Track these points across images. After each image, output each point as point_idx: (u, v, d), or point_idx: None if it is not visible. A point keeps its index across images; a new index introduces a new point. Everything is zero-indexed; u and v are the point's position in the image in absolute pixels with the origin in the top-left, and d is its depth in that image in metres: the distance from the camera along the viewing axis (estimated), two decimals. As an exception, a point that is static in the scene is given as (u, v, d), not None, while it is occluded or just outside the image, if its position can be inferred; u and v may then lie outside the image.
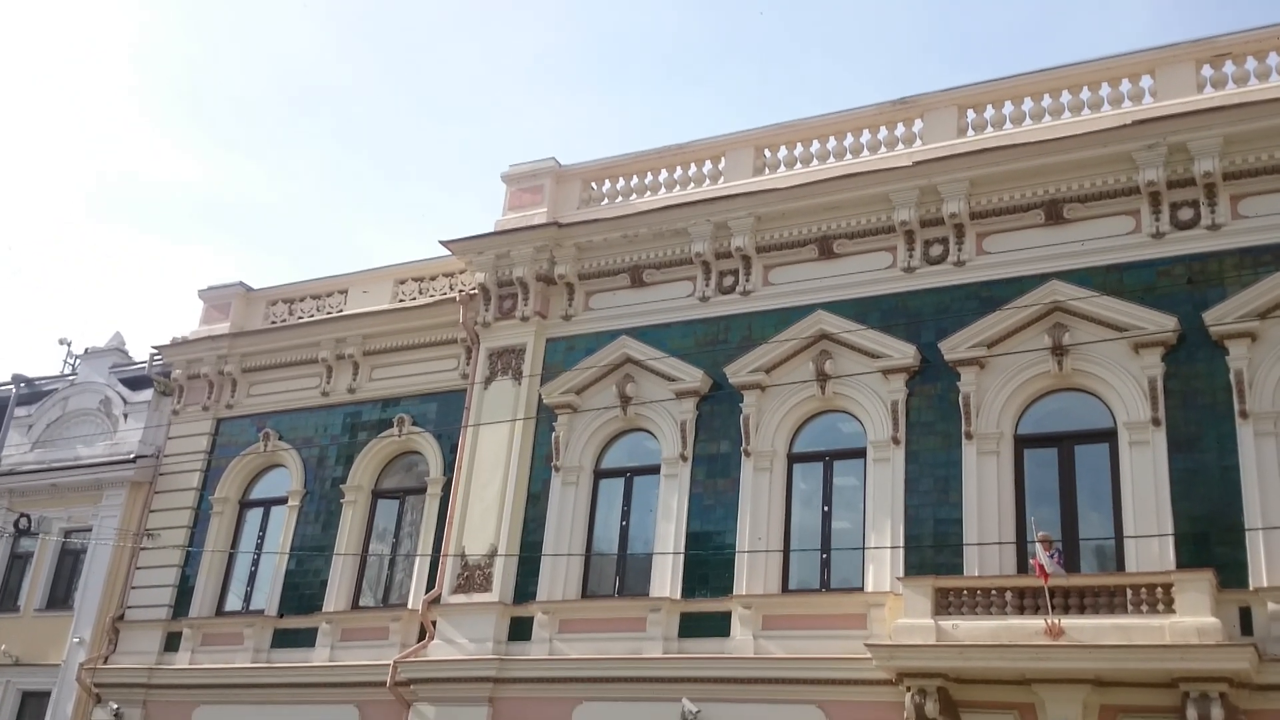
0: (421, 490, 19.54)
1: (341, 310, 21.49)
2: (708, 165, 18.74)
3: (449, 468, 19.07)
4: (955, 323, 15.73)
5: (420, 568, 18.66)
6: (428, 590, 18.21)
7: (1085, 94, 16.21)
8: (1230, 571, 13.24)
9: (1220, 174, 14.68)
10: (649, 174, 19.17)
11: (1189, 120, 14.81)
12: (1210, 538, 13.55)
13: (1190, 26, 42.31)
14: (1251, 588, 13.15)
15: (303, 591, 19.64)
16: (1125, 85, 15.97)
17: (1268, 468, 13.58)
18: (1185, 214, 14.98)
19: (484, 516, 18.00)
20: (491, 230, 19.53)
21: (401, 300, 20.95)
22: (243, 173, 52.77)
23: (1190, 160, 14.78)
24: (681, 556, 16.47)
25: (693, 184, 18.74)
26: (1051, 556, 13.70)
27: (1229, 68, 15.38)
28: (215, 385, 22.12)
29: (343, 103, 50.69)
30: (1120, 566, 14.03)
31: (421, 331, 20.35)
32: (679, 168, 18.97)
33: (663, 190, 18.95)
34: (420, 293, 20.88)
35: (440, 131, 51.37)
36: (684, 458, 17.04)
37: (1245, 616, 13.13)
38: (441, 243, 19.60)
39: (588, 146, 57.71)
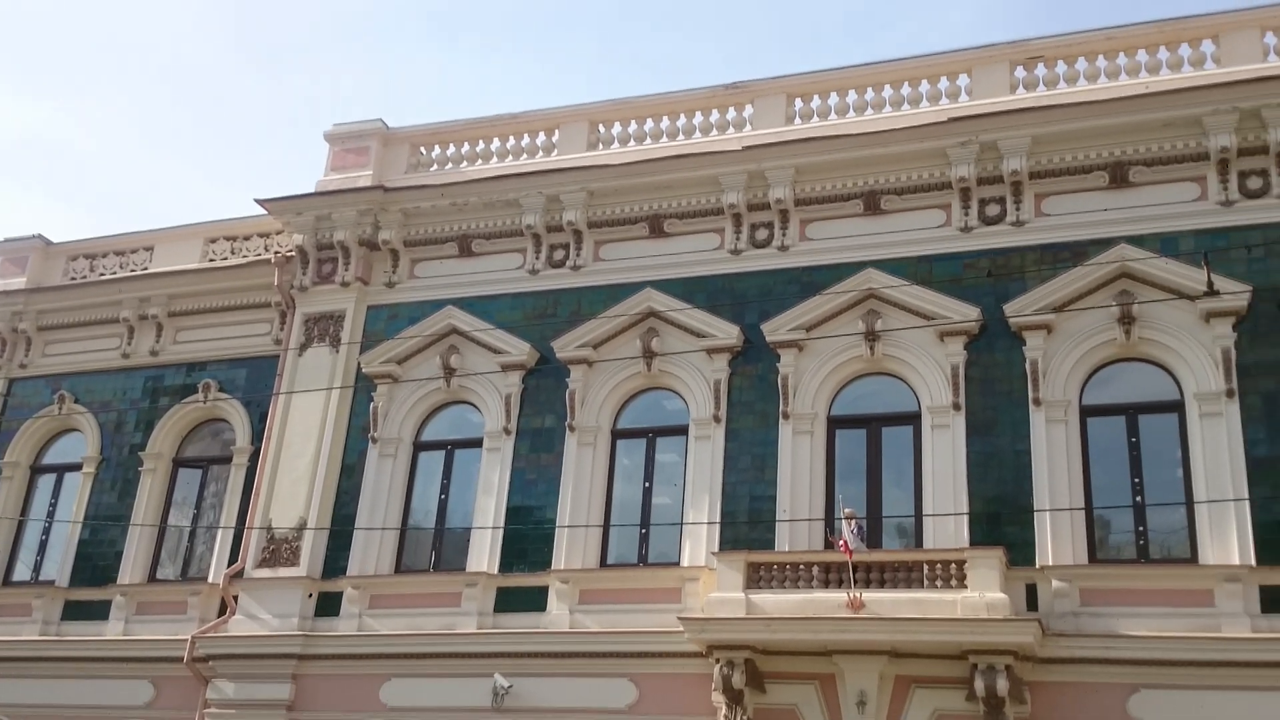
0: (227, 460, 18.80)
1: (146, 268, 20.43)
2: (541, 137, 18.60)
3: (257, 437, 18.39)
4: (777, 305, 16.09)
5: (223, 540, 17.96)
6: (230, 564, 17.55)
7: (906, 89, 16.80)
8: (1019, 550, 14.00)
9: (1027, 173, 15.45)
10: (481, 142, 18.89)
11: (1000, 120, 15.52)
12: (1002, 518, 14.29)
13: (1011, 27, 44.36)
14: (1038, 565, 13.94)
15: (96, 562, 18.64)
16: (944, 83, 16.62)
17: (1057, 453, 14.40)
18: (993, 210, 15.71)
19: (293, 488, 17.44)
20: (312, 191, 18.89)
21: (212, 260, 20.05)
22: (48, 120, 49.54)
23: (1000, 158, 15.51)
24: (500, 531, 16.35)
25: (526, 155, 18.56)
26: (855, 533, 14.22)
27: (1041, 70, 16.19)
28: (8, 343, 20.75)
29: (161, 51, 48.14)
30: (919, 543, 14.67)
31: (232, 293, 19.54)
32: (512, 138, 18.76)
33: (495, 159, 18.70)
34: (233, 253, 20.03)
35: (263, 87, 49.41)
36: (507, 431, 16.91)
37: (1031, 593, 13.90)
38: (258, 201, 18.84)
39: (418, 111, 56.40)
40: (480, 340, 17.41)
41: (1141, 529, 14.12)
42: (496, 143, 18.82)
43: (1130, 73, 15.74)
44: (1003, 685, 12.96)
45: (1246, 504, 13.41)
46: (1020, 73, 16.26)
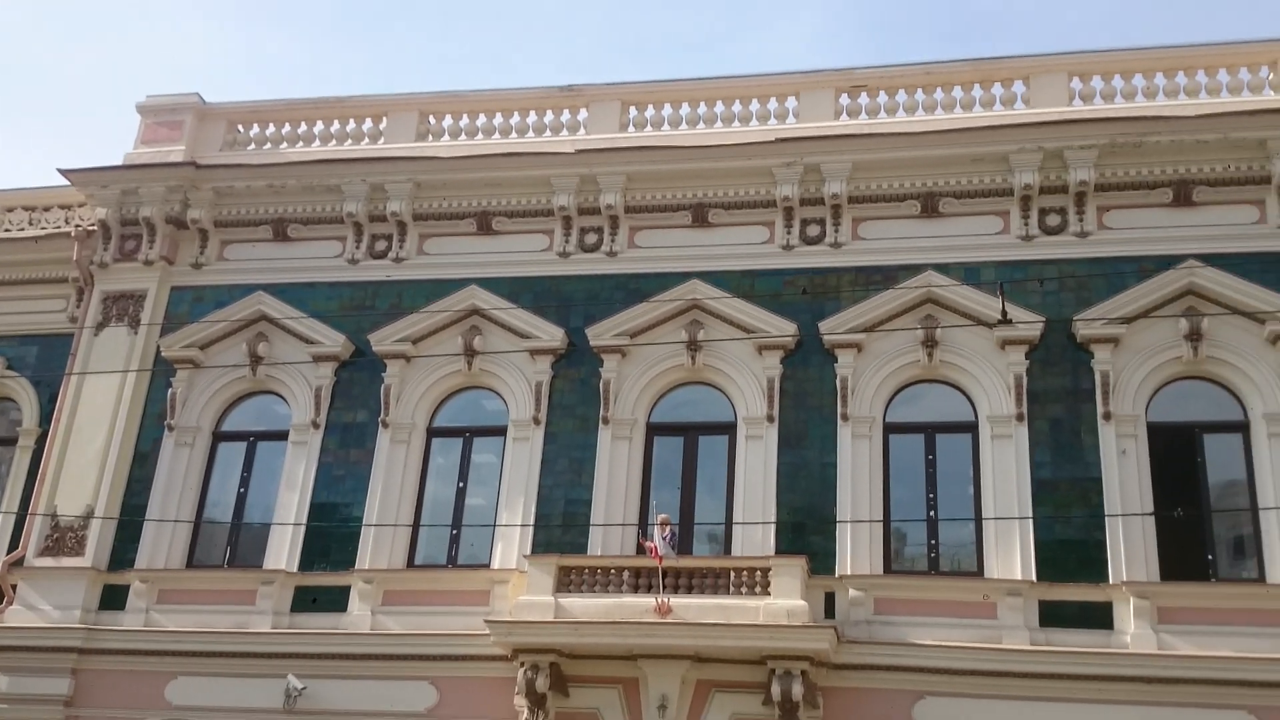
0: (12, 441, 17.60)
1: (-68, 235, 18.91)
2: (368, 124, 18.14)
3: (46, 418, 17.27)
4: (603, 310, 16.15)
5: (2, 526, 16.77)
6: (9, 551, 16.40)
7: (737, 107, 17.14)
8: (821, 559, 14.44)
9: (846, 196, 15.98)
10: (303, 124, 18.28)
11: (823, 144, 16.01)
12: (807, 527, 14.73)
13: (851, 48, 45.75)
14: (837, 574, 14.41)
15: None
16: (773, 104, 17.03)
17: (860, 467, 14.93)
18: (813, 230, 16.18)
19: (82, 474, 16.45)
20: (120, 164, 17.88)
21: (7, 230, 18.71)
22: None
23: (822, 181, 16.00)
24: (302, 528, 15.82)
25: (350, 140, 18.06)
26: (666, 539, 14.39)
27: (864, 99, 16.77)
28: None
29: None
30: (728, 551, 14.97)
31: (26, 266, 18.30)
32: (337, 122, 18.23)
33: (317, 143, 18.14)
34: (30, 224, 18.74)
35: (72, 54, 46.53)
36: (316, 425, 16.39)
37: (830, 601, 14.35)
38: (61, 171, 17.73)
39: (241, 90, 54.19)
40: (291, 329, 16.82)
41: (934, 542, 14.79)
42: (320, 126, 18.25)
43: (946, 107, 16.49)
44: (798, 690, 13.33)
45: (1030, 522, 14.20)
46: (845, 100, 16.82)
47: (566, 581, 14.32)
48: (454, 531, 15.84)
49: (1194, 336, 14.47)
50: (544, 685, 13.77)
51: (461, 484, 16.14)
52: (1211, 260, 14.65)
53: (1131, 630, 13.46)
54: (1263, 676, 12.81)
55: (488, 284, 16.60)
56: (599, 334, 16.03)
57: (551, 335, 16.16)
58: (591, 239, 16.75)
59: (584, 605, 14.08)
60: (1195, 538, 14.07)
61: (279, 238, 17.54)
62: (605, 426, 15.69)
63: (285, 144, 18.22)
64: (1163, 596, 13.57)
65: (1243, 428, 14.35)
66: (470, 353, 16.27)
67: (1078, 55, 16.29)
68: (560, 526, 15.28)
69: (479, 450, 16.33)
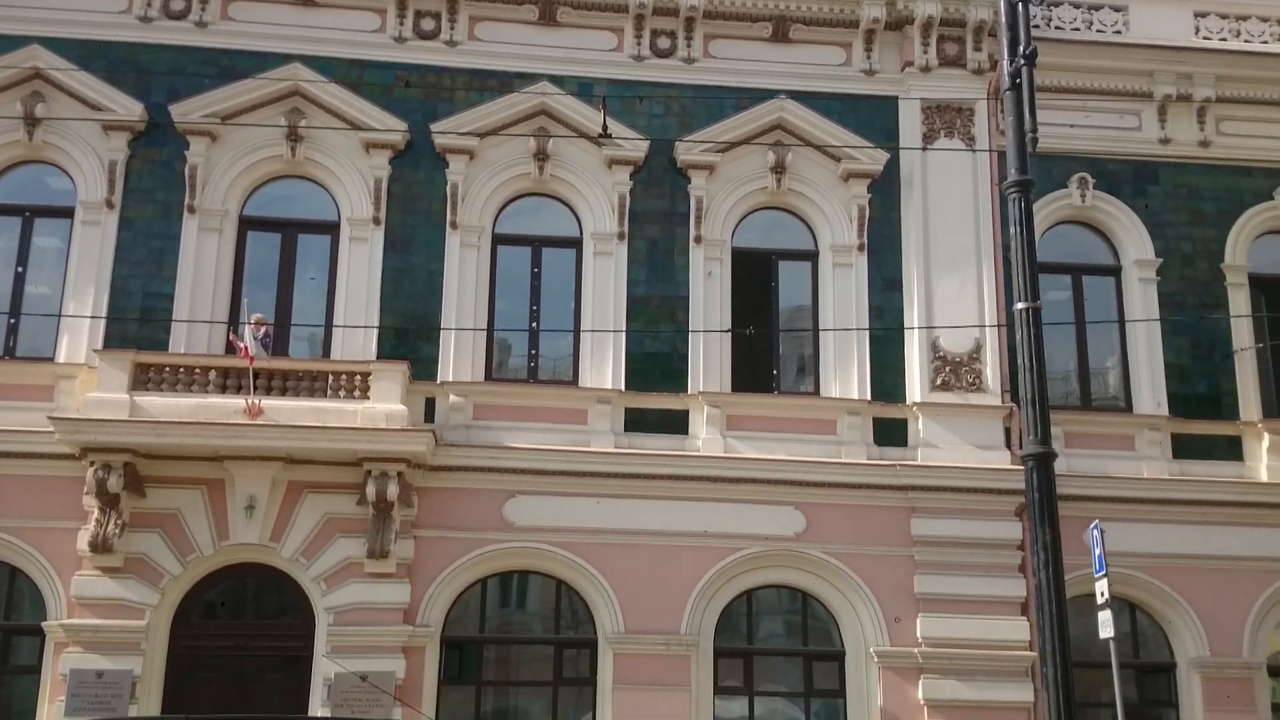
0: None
1: None
2: None
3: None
4: (191, 87, 14.64)
5: None
6: None
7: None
8: (424, 366, 14.38)
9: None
10: None
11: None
12: (410, 334, 14.55)
13: None
14: (439, 381, 14.45)
15: None
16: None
17: (467, 276, 14.86)
18: (427, 24, 15.42)
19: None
20: None
21: None
22: None
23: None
24: None
25: None
26: (259, 338, 13.68)
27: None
28: None
29: None
30: (328, 354, 14.50)
31: None
32: None
33: None
34: None
35: None
36: None
37: (430, 406, 14.41)
38: None
39: None
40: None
41: (534, 352, 15.18)
42: None
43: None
44: (393, 491, 13.40)
45: (623, 336, 14.91)
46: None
47: (144, 379, 13.31)
48: (12, 320, 14.11)
49: (778, 169, 15.50)
50: (117, 485, 12.87)
51: (21, 269, 14.33)
52: (801, 97, 15.63)
53: (703, 435, 14.64)
54: (811, 477, 14.47)
55: (54, 45, 14.49)
56: (185, 112, 14.57)
57: (128, 109, 14.49)
58: (178, 4, 15.01)
59: (165, 405, 13.19)
60: (765, 355, 15.42)
61: None
62: (191, 216, 14.46)
63: None
64: (732, 406, 14.83)
65: (813, 257, 15.73)
66: (31, 120, 14.24)
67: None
68: (138, 320, 14.06)
69: (42, 234, 14.51)
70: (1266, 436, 15.10)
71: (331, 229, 14.96)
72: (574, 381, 14.92)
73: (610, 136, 14.26)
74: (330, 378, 13.74)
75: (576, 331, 15.09)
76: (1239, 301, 15.68)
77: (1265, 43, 16.37)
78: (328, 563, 13.64)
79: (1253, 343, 15.52)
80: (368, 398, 13.66)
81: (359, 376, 13.76)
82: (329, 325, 14.61)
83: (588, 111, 15.10)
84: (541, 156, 15.18)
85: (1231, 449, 15.22)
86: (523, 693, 14.38)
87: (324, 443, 13.42)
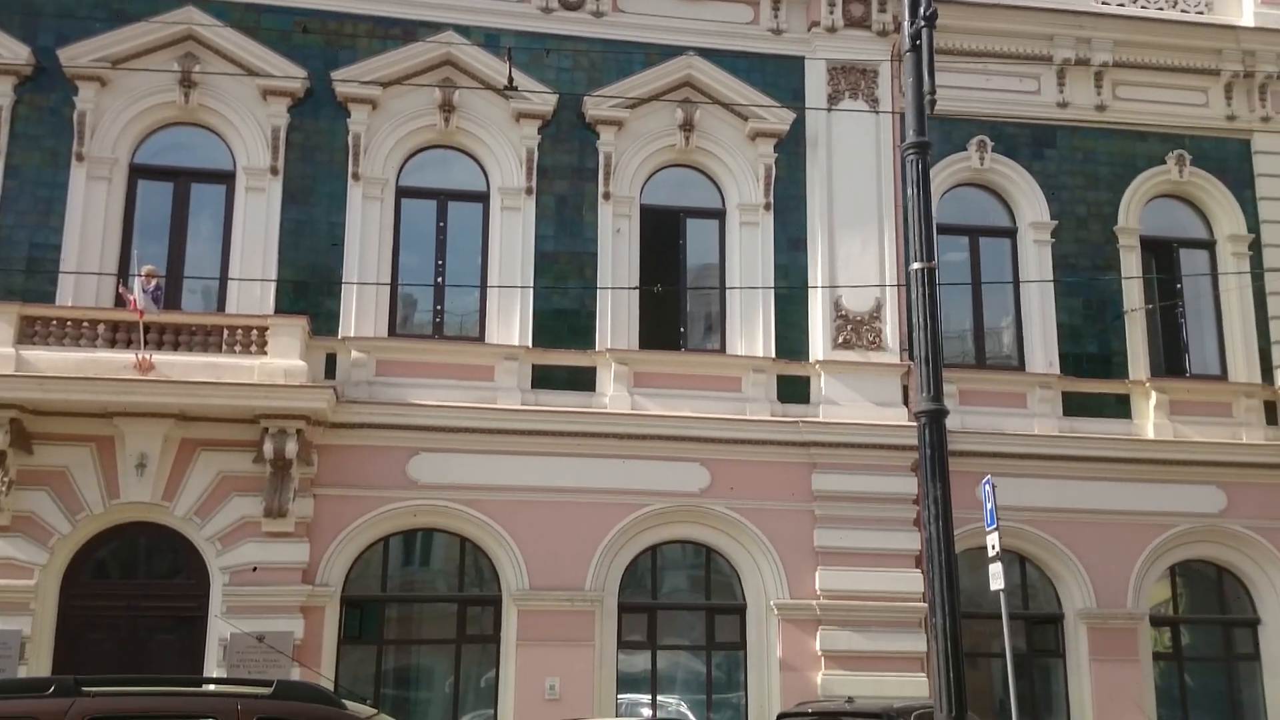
0: None
1: None
2: None
3: None
4: (80, 30, 14.04)
5: None
6: None
7: None
8: (324, 320, 14.11)
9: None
10: None
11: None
12: (310, 288, 14.25)
13: None
14: (340, 336, 14.18)
15: None
16: None
17: (370, 229, 14.58)
18: (329, -29, 15.03)
19: None
20: None
21: None
22: None
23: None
24: None
25: None
26: (148, 292, 13.28)
27: None
28: None
29: None
30: (223, 308, 14.13)
31: None
32: None
33: None
34: None
35: None
36: None
37: (331, 362, 14.16)
38: None
39: None
40: None
41: (440, 308, 14.97)
42: None
43: None
44: (291, 448, 13.16)
45: (531, 292, 14.79)
46: None
47: (30, 333, 12.86)
48: (-112, 271, 13.51)
49: (687, 127, 15.45)
50: (3, 442, 12.48)
51: (-103, 219, 13.70)
52: (709, 55, 15.58)
53: (610, 393, 14.64)
54: (716, 434, 14.58)
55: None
56: (74, 56, 14.00)
57: (14, 53, 13.90)
58: (75, -56, 14.39)
59: (51, 359, 12.75)
60: (672, 312, 15.44)
61: None
62: (79, 164, 13.94)
63: None
64: (639, 363, 14.84)
65: (720, 215, 15.75)
66: (-97, 61, 13.56)
67: None
68: (23, 272, 13.53)
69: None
70: (1154, 395, 15.61)
71: (227, 179, 14.54)
72: (480, 338, 14.77)
73: (516, 89, 14.05)
74: (225, 332, 13.40)
75: (483, 287, 14.92)
76: (1130, 264, 16.13)
77: (1161, 9, 16.77)
78: (223, 522, 13.37)
79: (1143, 304, 15.99)
80: (265, 353, 13.35)
81: (256, 331, 13.44)
82: (224, 278, 14.23)
83: (494, 63, 14.85)
84: (447, 108, 14.91)
85: (1120, 407, 15.69)
86: (425, 651, 14.33)
87: (219, 399, 13.10)
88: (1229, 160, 16.51)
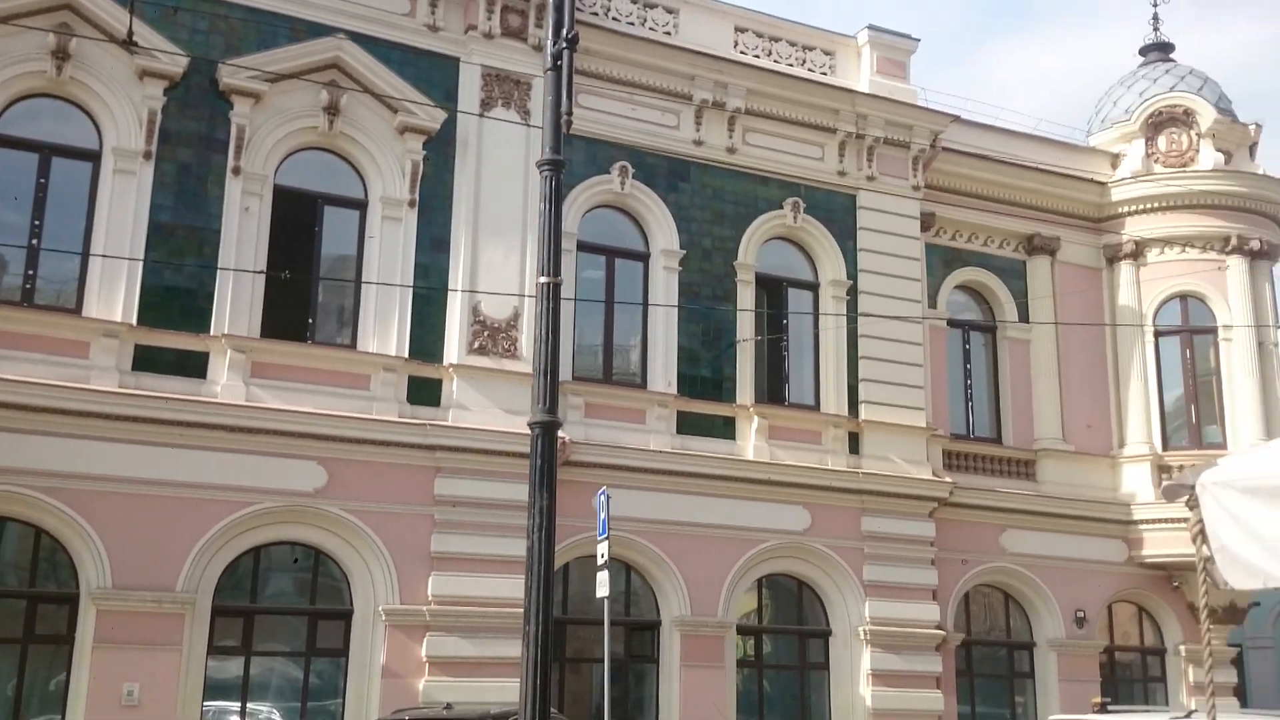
0: None
1: None
2: None
3: None
4: None
5: None
6: None
7: None
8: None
9: None
10: None
11: None
12: None
13: None
14: None
15: None
16: None
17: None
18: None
19: None
20: None
21: None
22: None
23: None
24: None
25: None
26: None
27: None
28: None
29: None
30: None
31: None
32: None
33: None
34: None
35: None
36: None
37: None
38: None
39: None
40: None
41: (32, 273, 13.46)
42: None
43: None
44: None
45: (140, 265, 13.63)
46: None
47: None
48: None
49: (332, 110, 14.86)
50: None
51: None
52: (362, 41, 15.08)
53: (224, 381, 13.77)
54: (337, 432, 14.06)
55: None
56: None
57: None
58: None
59: None
60: (302, 301, 14.77)
61: None
62: None
63: None
64: (259, 352, 14.08)
65: (361, 206, 15.26)
66: None
67: None
68: None
69: None
70: (756, 419, 16.81)
71: None
72: (77, 309, 13.43)
73: (137, 44, 12.81)
74: None
75: (85, 254, 13.57)
76: (745, 297, 17.30)
77: (791, 65, 18.15)
78: None
79: (753, 335, 17.19)
80: None
81: None
82: None
83: (119, 13, 13.51)
84: (61, 55, 13.49)
85: (726, 428, 16.77)
86: (-14, 652, 12.80)
87: None
88: (836, 212, 18.10)
